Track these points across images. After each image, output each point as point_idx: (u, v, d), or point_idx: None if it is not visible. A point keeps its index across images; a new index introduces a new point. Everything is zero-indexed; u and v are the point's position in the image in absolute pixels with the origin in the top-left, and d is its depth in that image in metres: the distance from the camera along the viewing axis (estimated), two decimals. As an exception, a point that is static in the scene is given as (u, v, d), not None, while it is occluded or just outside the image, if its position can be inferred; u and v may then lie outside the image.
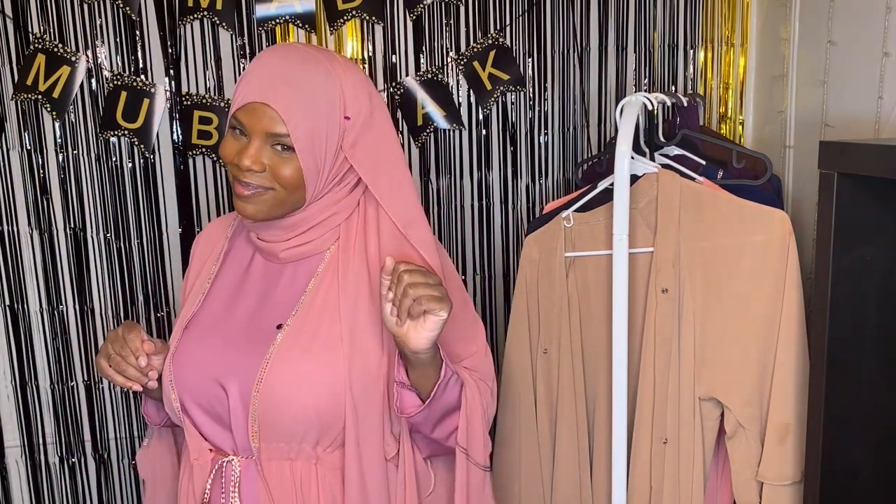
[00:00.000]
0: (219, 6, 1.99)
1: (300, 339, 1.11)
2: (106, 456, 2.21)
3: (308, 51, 1.14)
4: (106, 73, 2.01)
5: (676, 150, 1.63)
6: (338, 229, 1.17)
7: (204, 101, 2.04)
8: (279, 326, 1.12)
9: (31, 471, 2.20)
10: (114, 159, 2.06)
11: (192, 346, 1.16)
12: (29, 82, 1.98)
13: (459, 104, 2.13)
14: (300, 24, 2.04)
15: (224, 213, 2.07)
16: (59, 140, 2.03)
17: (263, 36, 2.04)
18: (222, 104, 2.05)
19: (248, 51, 2.04)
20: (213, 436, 1.14)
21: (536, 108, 2.15)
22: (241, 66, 2.05)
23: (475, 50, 2.09)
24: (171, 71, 2.03)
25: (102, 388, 2.17)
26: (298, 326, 1.12)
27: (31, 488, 2.20)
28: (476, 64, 2.09)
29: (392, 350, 1.10)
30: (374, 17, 2.04)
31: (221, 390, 1.11)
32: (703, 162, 1.60)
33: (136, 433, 2.20)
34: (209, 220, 2.08)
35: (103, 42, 2.00)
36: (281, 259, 1.18)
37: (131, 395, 2.17)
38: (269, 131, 1.07)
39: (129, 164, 2.06)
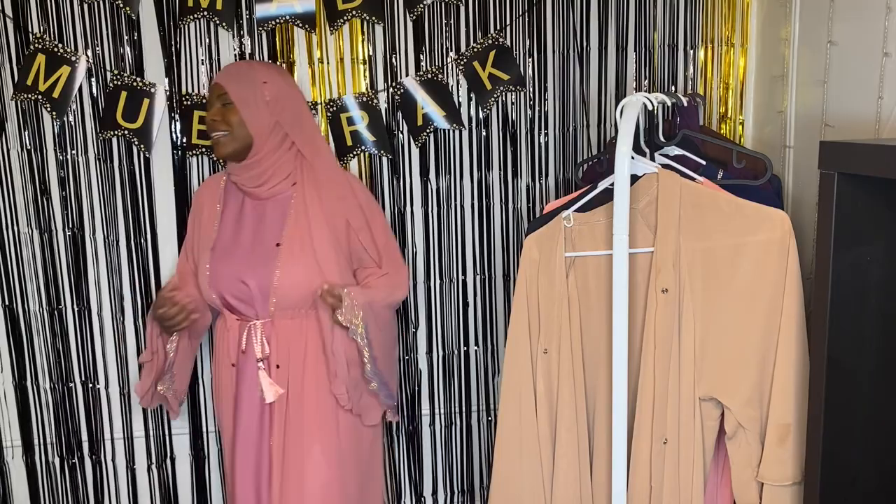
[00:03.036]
0: (219, 6, 1.99)
1: (293, 251, 1.80)
2: (104, 456, 2.21)
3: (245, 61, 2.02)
4: (106, 73, 2.01)
5: (676, 150, 1.63)
6: (289, 180, 1.84)
7: (204, 101, 2.04)
8: (278, 244, 1.81)
9: (30, 471, 2.19)
10: (114, 159, 2.06)
11: (219, 261, 1.84)
12: (29, 82, 1.98)
13: (459, 104, 2.13)
14: (300, 24, 2.04)
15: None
16: (59, 140, 2.03)
17: (263, 36, 2.04)
18: (222, 104, 2.05)
19: (248, 51, 2.04)
20: (241, 310, 1.83)
21: (536, 108, 2.15)
22: (241, 66, 2.05)
23: (475, 50, 2.09)
24: (171, 71, 2.03)
25: (100, 388, 2.17)
26: (288, 244, 1.81)
27: (29, 488, 2.20)
28: (476, 64, 2.09)
29: (339, 253, 1.83)
30: (374, 17, 2.04)
31: (244, 285, 1.80)
32: (704, 162, 1.60)
33: (134, 433, 2.20)
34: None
35: (103, 42, 2.00)
36: (262, 197, 1.84)
37: (130, 396, 2.17)
38: (219, 94, 1.79)
39: (129, 165, 2.06)
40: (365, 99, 2.08)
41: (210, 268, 1.83)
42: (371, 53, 2.08)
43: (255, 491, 1.87)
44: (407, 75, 2.10)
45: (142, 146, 2.04)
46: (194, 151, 2.07)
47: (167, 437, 2.22)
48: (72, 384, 2.16)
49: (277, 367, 1.83)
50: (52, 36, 1.98)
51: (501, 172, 2.17)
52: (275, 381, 1.82)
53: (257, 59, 2.05)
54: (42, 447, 2.18)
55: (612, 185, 1.46)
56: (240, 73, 1.82)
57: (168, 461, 2.23)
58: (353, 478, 1.89)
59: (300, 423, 1.83)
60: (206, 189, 1.95)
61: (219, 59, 2.04)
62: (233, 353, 1.86)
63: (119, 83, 2.01)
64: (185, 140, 2.06)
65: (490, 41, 2.09)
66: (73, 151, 2.04)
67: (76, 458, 2.20)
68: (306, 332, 1.83)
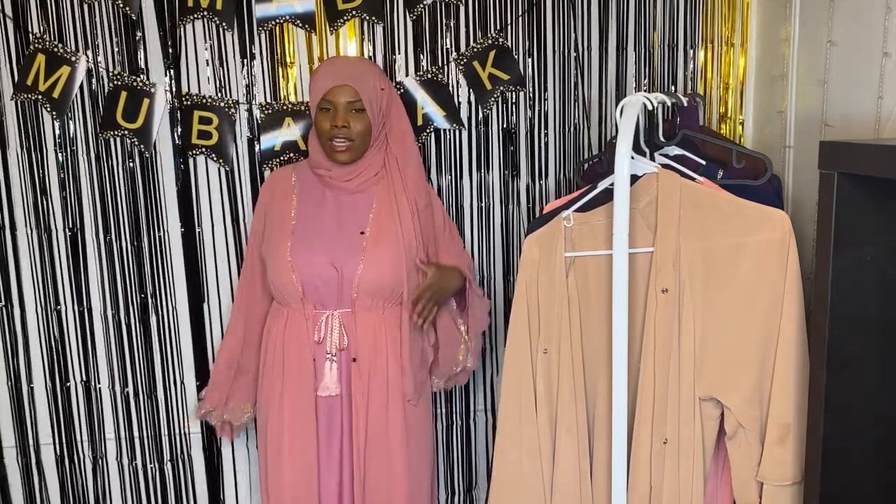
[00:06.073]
0: (219, 6, 1.99)
1: (378, 239, 1.81)
2: (102, 456, 2.21)
3: (353, 57, 2.05)
4: (106, 73, 2.01)
5: (676, 150, 1.63)
6: (378, 175, 1.85)
7: (204, 101, 2.04)
8: (362, 233, 1.81)
9: (28, 471, 2.19)
10: (114, 159, 2.06)
11: (302, 249, 1.80)
12: (29, 82, 1.98)
13: (459, 104, 2.13)
14: (300, 24, 2.04)
15: (224, 211, 2.12)
16: (58, 140, 2.03)
17: (263, 36, 2.04)
18: (222, 104, 2.05)
19: (248, 50, 2.04)
20: (322, 298, 1.81)
21: (536, 108, 2.15)
22: (242, 66, 2.05)
23: (475, 50, 2.09)
24: (171, 71, 2.03)
25: (100, 388, 2.17)
26: (374, 233, 1.82)
27: (26, 489, 2.20)
28: (476, 64, 2.09)
29: (422, 242, 1.86)
30: (374, 17, 2.04)
31: (334, 270, 1.79)
32: (703, 162, 1.60)
33: (132, 433, 2.20)
34: (210, 220, 2.12)
35: (103, 42, 2.00)
36: (350, 191, 1.85)
37: (130, 397, 2.17)
38: (348, 100, 1.76)
39: (130, 164, 2.06)
40: (365, 99, 2.08)
41: (292, 255, 1.80)
42: (371, 53, 2.08)
43: (337, 487, 1.87)
44: (407, 75, 2.10)
45: (142, 146, 2.04)
46: (193, 151, 2.07)
47: (175, 437, 2.22)
48: (69, 384, 2.16)
49: (354, 360, 1.81)
50: (52, 36, 1.98)
51: (501, 172, 2.18)
52: (351, 374, 1.81)
53: (258, 59, 2.05)
54: (39, 447, 2.18)
55: (612, 185, 1.46)
56: (365, 77, 1.79)
57: (172, 461, 2.23)
58: (422, 470, 1.92)
59: (383, 417, 1.83)
60: (276, 182, 1.93)
61: (219, 59, 2.04)
62: (308, 347, 1.81)
63: (119, 83, 2.01)
64: (182, 140, 2.06)
65: (490, 41, 2.09)
66: (73, 151, 2.04)
67: (73, 458, 2.20)
68: (385, 323, 1.82)
